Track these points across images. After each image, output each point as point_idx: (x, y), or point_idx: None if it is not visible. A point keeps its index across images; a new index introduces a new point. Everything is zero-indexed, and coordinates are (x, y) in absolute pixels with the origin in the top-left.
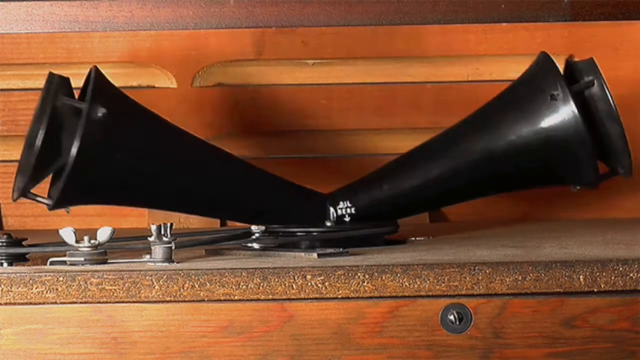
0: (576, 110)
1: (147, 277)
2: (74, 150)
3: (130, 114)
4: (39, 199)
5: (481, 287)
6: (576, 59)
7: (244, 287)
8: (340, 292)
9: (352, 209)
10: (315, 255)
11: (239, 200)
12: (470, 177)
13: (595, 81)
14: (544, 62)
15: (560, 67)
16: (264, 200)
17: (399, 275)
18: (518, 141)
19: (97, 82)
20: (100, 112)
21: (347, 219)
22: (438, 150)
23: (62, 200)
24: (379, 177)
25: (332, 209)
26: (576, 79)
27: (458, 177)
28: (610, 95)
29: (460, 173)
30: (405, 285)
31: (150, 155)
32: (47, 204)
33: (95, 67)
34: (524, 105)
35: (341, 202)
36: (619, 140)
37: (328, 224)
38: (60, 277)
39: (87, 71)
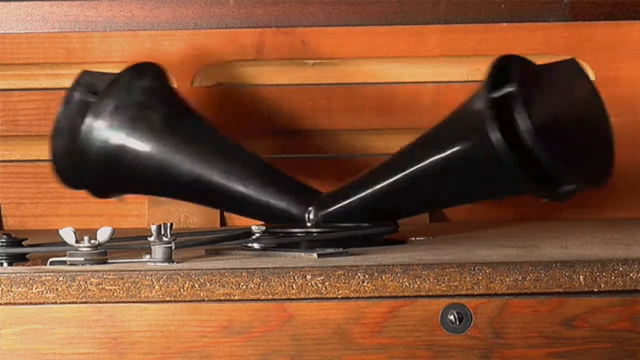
0: (490, 122)
1: (147, 277)
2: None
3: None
4: None
5: (481, 287)
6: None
7: (244, 287)
8: (340, 292)
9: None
10: (315, 255)
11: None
12: (423, 189)
13: (515, 88)
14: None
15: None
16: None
17: (399, 275)
18: (457, 154)
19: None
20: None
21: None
22: (395, 162)
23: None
24: (352, 186)
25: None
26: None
27: (411, 187)
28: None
29: (414, 184)
30: (405, 285)
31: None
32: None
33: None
34: (465, 119)
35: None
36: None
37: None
38: (60, 277)
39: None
